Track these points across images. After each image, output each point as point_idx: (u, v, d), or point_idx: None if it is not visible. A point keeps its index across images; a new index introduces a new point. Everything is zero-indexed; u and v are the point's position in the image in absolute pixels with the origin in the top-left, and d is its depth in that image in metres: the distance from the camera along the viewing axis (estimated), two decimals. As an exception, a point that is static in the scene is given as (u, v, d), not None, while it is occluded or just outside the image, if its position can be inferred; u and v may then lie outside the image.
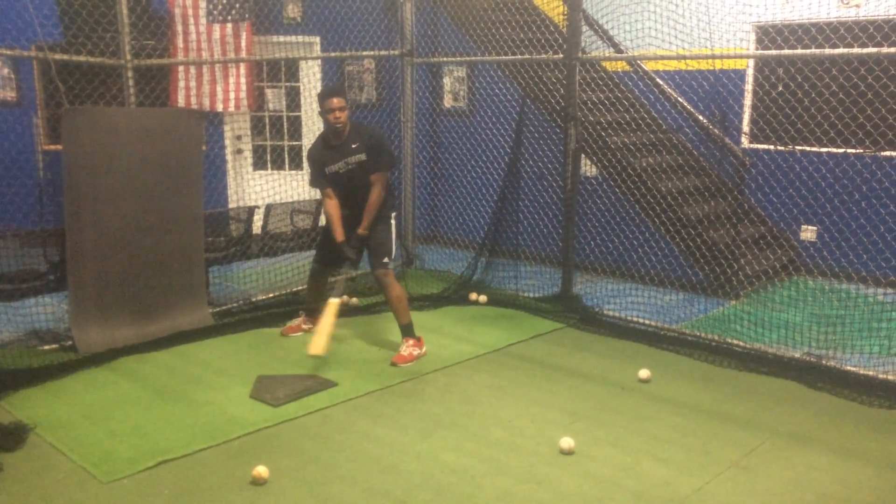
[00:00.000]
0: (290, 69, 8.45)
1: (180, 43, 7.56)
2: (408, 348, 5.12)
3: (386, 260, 5.17)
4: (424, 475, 3.68)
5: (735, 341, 5.29)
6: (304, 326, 5.64)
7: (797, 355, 4.99)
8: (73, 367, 4.89)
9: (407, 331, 5.18)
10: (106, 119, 5.19)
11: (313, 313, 5.60)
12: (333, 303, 4.99)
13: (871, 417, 4.31)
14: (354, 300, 6.30)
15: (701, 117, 7.14)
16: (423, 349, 5.19)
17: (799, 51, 5.24)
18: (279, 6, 8.03)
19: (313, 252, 5.78)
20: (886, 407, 4.40)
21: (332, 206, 5.18)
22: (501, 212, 6.83)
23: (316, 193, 7.89)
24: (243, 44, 7.66)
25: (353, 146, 5.09)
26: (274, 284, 6.59)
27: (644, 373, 4.83)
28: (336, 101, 4.95)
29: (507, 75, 7.61)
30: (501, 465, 3.77)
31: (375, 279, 5.30)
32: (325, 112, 4.99)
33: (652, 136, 7.46)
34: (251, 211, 6.45)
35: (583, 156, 6.52)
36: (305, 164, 8.31)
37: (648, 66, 7.27)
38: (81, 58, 5.55)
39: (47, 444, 3.94)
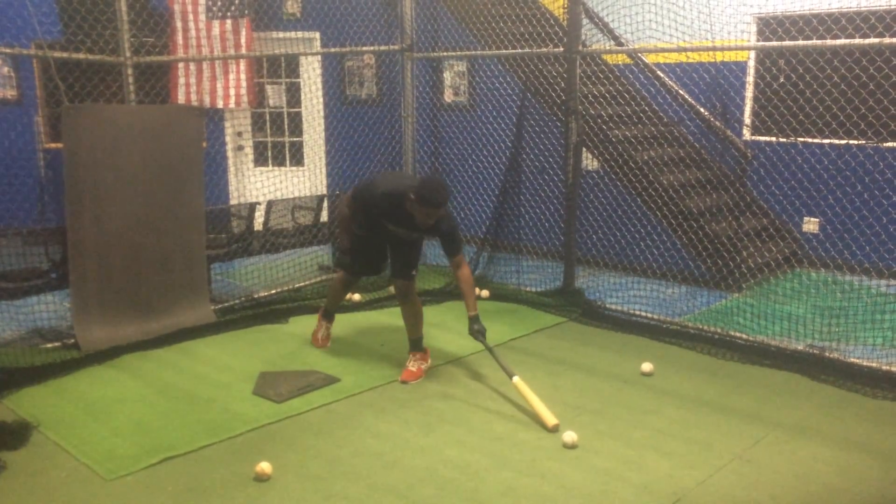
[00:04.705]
0: (290, 65, 8.44)
1: (180, 40, 7.55)
2: (416, 363, 4.90)
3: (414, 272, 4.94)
4: (428, 470, 3.68)
5: (738, 334, 5.29)
6: (330, 333, 5.47)
7: (800, 347, 4.98)
8: (76, 365, 4.90)
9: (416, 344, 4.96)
10: (106, 116, 5.18)
11: (331, 316, 5.44)
12: (520, 382, 4.43)
13: (875, 409, 4.30)
14: (357, 296, 6.30)
15: (702, 109, 7.12)
16: (430, 361, 5.02)
17: (800, 42, 5.22)
18: (278, 2, 8.01)
19: (315, 248, 5.69)
20: (890, 398, 4.40)
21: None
22: (503, 206, 6.82)
23: (317, 189, 7.91)
24: (243, 40, 7.65)
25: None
26: (276, 281, 6.58)
27: (647, 366, 4.83)
28: (439, 212, 4.44)
29: (507, 69, 7.59)
30: (505, 460, 3.77)
31: (397, 288, 4.98)
32: (421, 210, 4.39)
33: (653, 128, 7.44)
34: (252, 207, 6.45)
35: (584, 149, 6.50)
36: (308, 162, 8.37)
37: (649, 59, 7.25)
38: (81, 55, 5.54)
39: (50, 442, 3.94)
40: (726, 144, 7.21)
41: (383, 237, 4.85)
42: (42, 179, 7.91)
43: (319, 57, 8.25)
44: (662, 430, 4.07)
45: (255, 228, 6.46)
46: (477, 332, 4.65)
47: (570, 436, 3.89)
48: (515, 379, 4.42)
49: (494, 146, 7.65)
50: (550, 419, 4.10)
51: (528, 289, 6.47)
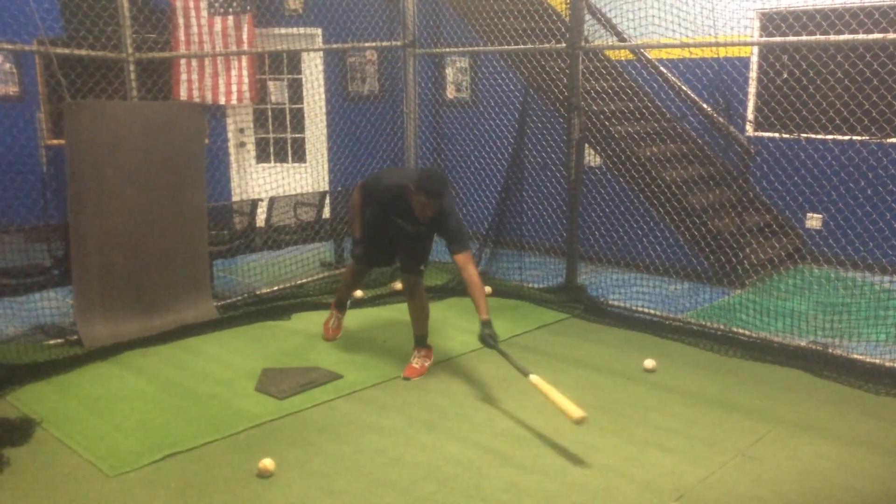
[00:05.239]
0: (292, 61, 8.43)
1: (182, 36, 7.54)
2: (420, 359, 4.90)
3: (422, 268, 4.94)
4: (430, 466, 3.68)
5: (740, 330, 5.28)
6: (341, 324, 5.49)
7: (803, 344, 4.97)
8: (79, 362, 4.90)
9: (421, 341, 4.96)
10: (108, 113, 5.18)
11: (343, 306, 5.47)
12: (538, 379, 4.18)
13: (878, 405, 4.30)
14: (359, 292, 6.29)
15: (705, 105, 7.11)
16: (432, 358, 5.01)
17: (804, 38, 5.20)
18: (280, -2, 8.01)
19: (317, 244, 5.69)
20: (893, 395, 4.39)
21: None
22: (505, 202, 6.81)
23: (319, 186, 7.90)
24: (245, 36, 7.64)
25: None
26: (278, 277, 6.58)
27: (649, 362, 4.83)
28: (436, 203, 4.41)
29: (509, 65, 7.58)
30: (507, 456, 3.77)
31: (404, 283, 4.99)
32: (418, 199, 4.41)
33: (656, 125, 7.43)
34: (254, 204, 6.45)
35: (586, 145, 6.49)
36: (310, 158, 8.37)
37: (652, 55, 7.23)
38: (83, 52, 5.54)
39: (53, 439, 3.95)
40: (729, 140, 7.20)
41: (392, 230, 4.88)
42: (44, 176, 7.92)
43: (321, 53, 8.25)
44: (665, 426, 4.07)
45: (258, 225, 6.46)
46: (488, 337, 4.42)
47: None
48: (532, 377, 4.17)
49: (497, 142, 7.64)
50: (575, 411, 3.84)
51: (530, 285, 6.47)
